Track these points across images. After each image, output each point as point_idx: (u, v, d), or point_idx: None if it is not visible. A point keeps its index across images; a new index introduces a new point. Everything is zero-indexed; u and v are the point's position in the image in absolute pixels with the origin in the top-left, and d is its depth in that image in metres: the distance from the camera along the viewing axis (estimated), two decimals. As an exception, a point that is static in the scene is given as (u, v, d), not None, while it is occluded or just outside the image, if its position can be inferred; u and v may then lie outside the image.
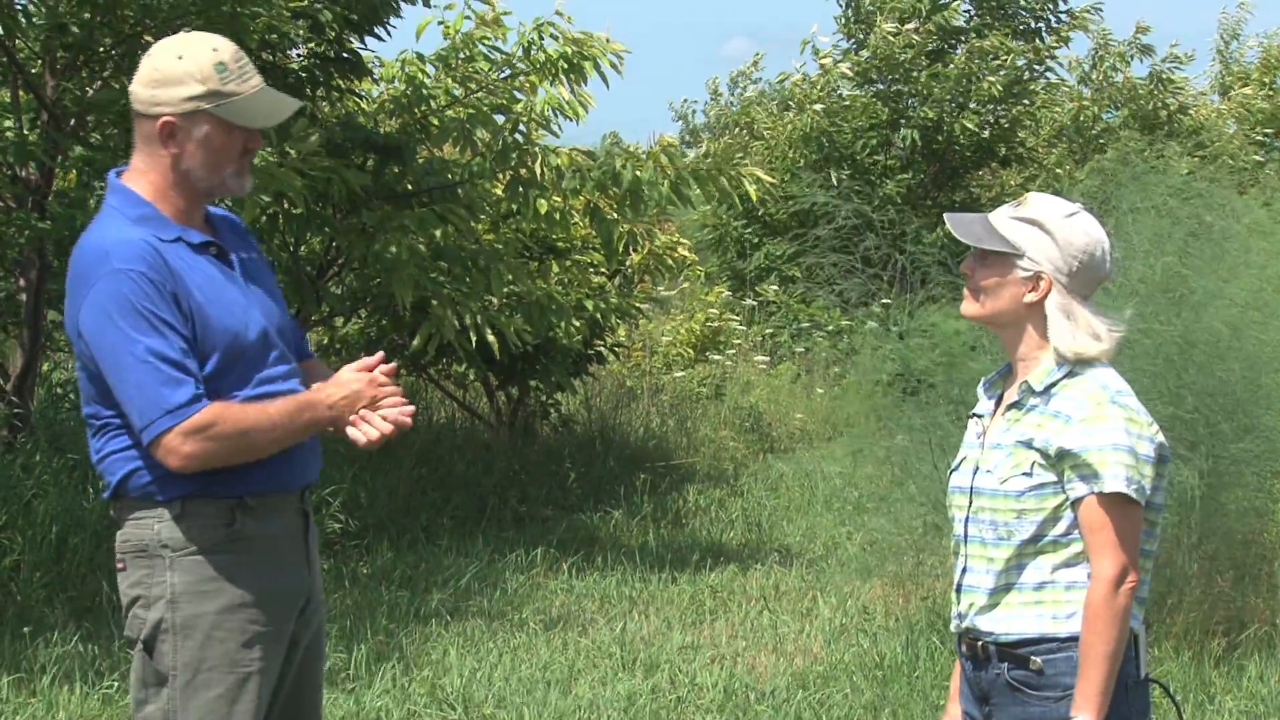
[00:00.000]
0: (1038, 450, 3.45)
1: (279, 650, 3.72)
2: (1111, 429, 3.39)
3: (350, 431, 3.70)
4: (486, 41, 10.08)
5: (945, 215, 3.68)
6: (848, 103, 20.62)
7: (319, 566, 3.91)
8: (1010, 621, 3.50)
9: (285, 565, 3.73)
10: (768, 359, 18.05)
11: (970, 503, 3.57)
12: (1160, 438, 3.47)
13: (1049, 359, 3.51)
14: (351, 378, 3.73)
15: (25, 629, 7.25)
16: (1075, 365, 3.49)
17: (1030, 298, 3.51)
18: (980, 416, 3.66)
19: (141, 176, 3.68)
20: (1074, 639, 3.41)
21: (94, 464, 3.70)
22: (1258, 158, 22.90)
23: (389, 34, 9.81)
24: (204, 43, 3.69)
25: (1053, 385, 3.49)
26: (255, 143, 3.76)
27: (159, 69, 3.63)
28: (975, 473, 3.57)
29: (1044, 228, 3.50)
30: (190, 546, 3.60)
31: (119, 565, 3.69)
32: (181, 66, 3.62)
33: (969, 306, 3.61)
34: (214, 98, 3.63)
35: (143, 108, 3.65)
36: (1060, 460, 3.42)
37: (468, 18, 10.10)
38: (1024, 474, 3.47)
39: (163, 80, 3.62)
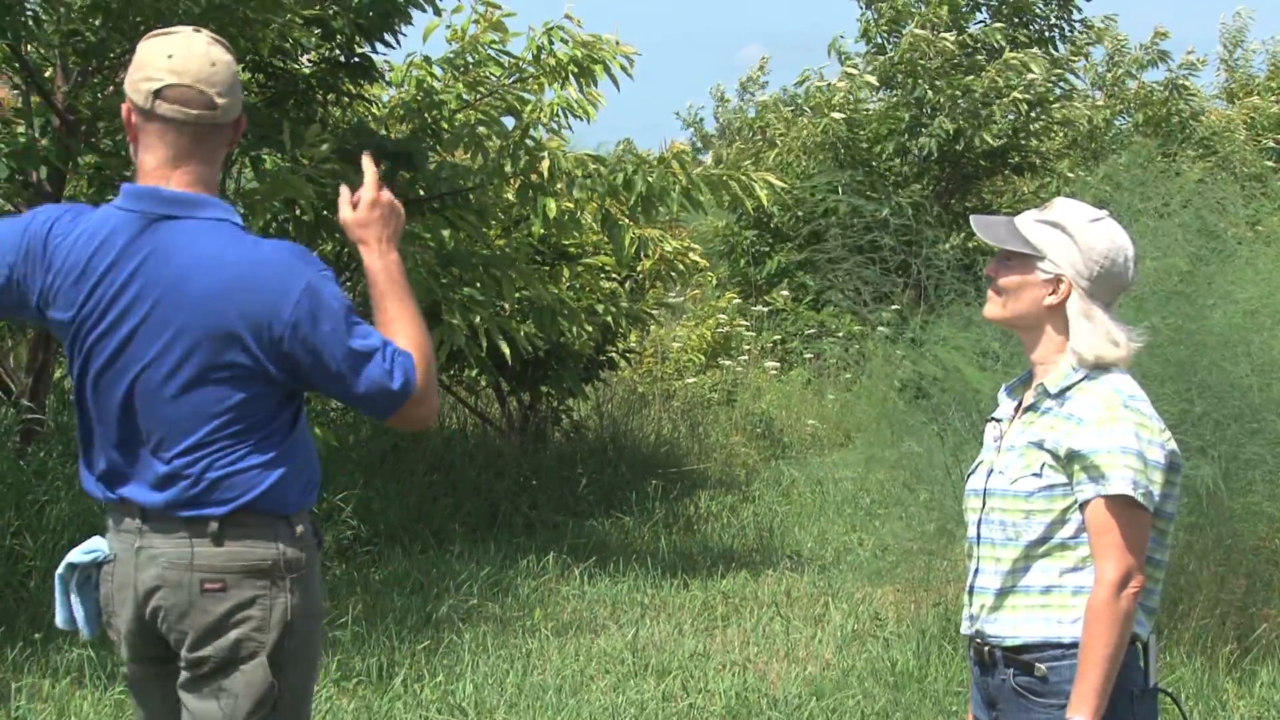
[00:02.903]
0: (1048, 451, 3.46)
1: None
2: (1122, 432, 3.40)
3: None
4: (495, 46, 10.08)
5: (971, 217, 3.70)
6: (870, 109, 20.61)
7: None
8: (1016, 625, 3.50)
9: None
10: (778, 365, 18.04)
11: (983, 505, 3.58)
12: (1173, 445, 3.47)
13: (1066, 362, 3.52)
14: (368, 215, 3.80)
15: (38, 634, 7.26)
16: (1092, 370, 3.50)
17: (1050, 300, 3.52)
18: (999, 420, 3.67)
19: (207, 188, 3.62)
20: (1078, 645, 3.41)
21: (204, 481, 3.51)
22: (1269, 163, 22.89)
23: (399, 42, 9.82)
24: (207, 34, 3.66)
25: (1069, 388, 3.50)
26: None
27: (236, 73, 3.63)
28: (989, 475, 3.58)
29: (1066, 231, 3.52)
30: (305, 566, 3.60)
31: (214, 586, 3.54)
32: (230, 61, 3.63)
33: (991, 308, 3.64)
34: None
35: (224, 116, 3.60)
36: (1070, 462, 3.43)
37: (474, 21, 10.10)
38: (1034, 475, 3.48)
39: (234, 85, 3.62)
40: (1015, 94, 19.64)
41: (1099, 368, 3.50)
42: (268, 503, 3.55)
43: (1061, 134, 21.90)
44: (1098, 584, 3.38)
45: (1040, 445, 3.48)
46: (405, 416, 3.57)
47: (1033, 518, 3.48)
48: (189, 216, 3.57)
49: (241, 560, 3.55)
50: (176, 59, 3.57)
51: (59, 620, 3.73)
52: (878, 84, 20.79)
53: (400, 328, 3.63)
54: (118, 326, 3.55)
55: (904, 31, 20.39)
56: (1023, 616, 3.50)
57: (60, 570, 3.71)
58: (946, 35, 20.00)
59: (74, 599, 3.70)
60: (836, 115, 20.31)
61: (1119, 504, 3.37)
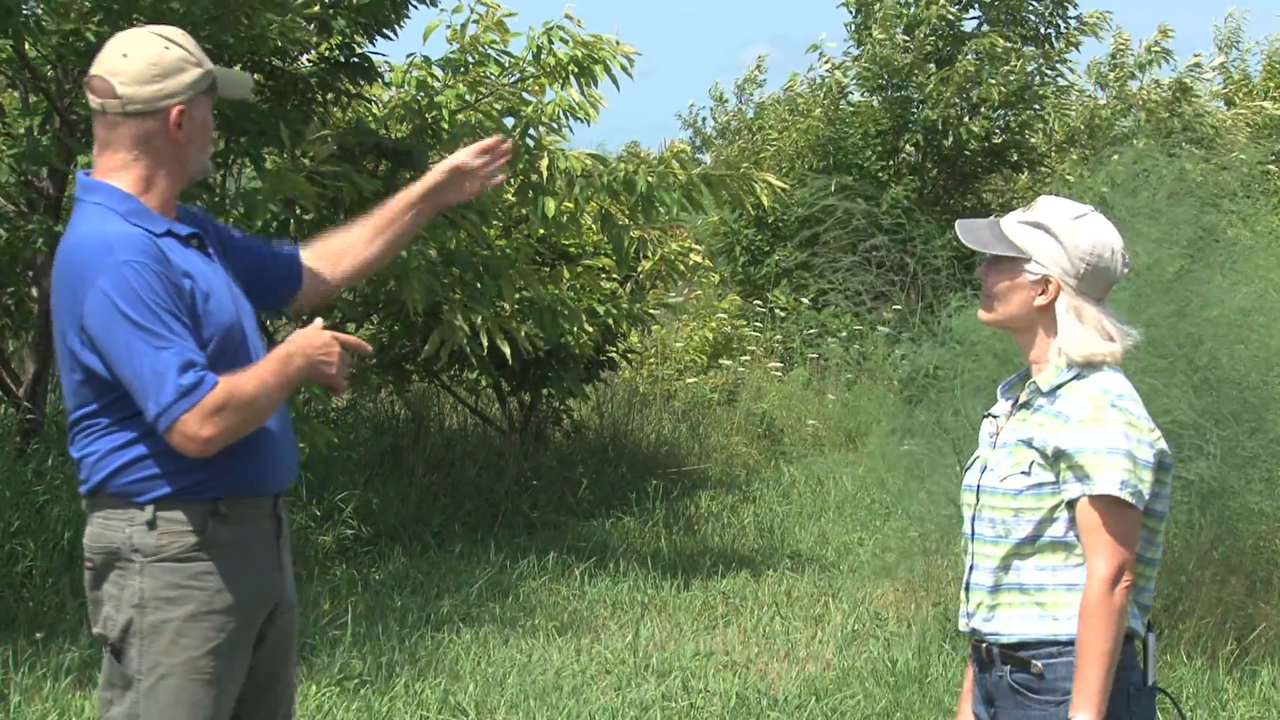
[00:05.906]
0: (1037, 450, 3.48)
1: (244, 657, 3.73)
2: (1110, 432, 3.41)
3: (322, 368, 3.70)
4: (495, 46, 10.07)
5: (957, 222, 3.72)
6: (851, 110, 20.64)
7: (290, 570, 3.92)
8: (1011, 622, 3.52)
9: (255, 571, 3.74)
10: (781, 365, 18.03)
11: (977, 501, 3.59)
12: (1162, 444, 3.48)
13: (1059, 361, 3.53)
14: (315, 329, 3.73)
15: (38, 634, 7.26)
16: (1083, 368, 3.51)
17: (1040, 301, 3.54)
18: (995, 417, 3.69)
19: (125, 173, 3.66)
20: (1074, 642, 3.42)
21: (78, 462, 3.68)
22: (1271, 166, 22.85)
23: (396, 34, 9.81)
24: (174, 30, 3.74)
25: (1059, 386, 3.52)
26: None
27: (155, 63, 3.64)
28: (983, 472, 3.60)
29: (1050, 231, 3.53)
30: (161, 553, 3.60)
31: (89, 564, 3.69)
32: (176, 54, 3.66)
33: (984, 313, 3.66)
34: (209, 77, 3.71)
35: (143, 106, 3.63)
36: (1057, 460, 3.44)
37: (474, 20, 10.08)
38: (1022, 473, 3.49)
39: (164, 72, 3.64)
40: (992, 82, 19.62)
41: (1089, 366, 3.52)
42: (115, 487, 3.62)
43: (1060, 129, 21.88)
44: (1090, 580, 3.39)
45: (1029, 443, 3.50)
46: (178, 429, 3.51)
47: (1021, 515, 3.49)
48: (83, 201, 3.69)
49: (101, 541, 3.66)
50: (103, 51, 3.72)
51: None
52: (861, 86, 20.83)
53: (246, 375, 3.60)
54: None
55: (871, 35, 20.41)
56: (1018, 614, 3.51)
57: None
58: (900, 37, 20.01)
59: None
60: (816, 113, 20.37)
61: (1106, 502, 3.39)
